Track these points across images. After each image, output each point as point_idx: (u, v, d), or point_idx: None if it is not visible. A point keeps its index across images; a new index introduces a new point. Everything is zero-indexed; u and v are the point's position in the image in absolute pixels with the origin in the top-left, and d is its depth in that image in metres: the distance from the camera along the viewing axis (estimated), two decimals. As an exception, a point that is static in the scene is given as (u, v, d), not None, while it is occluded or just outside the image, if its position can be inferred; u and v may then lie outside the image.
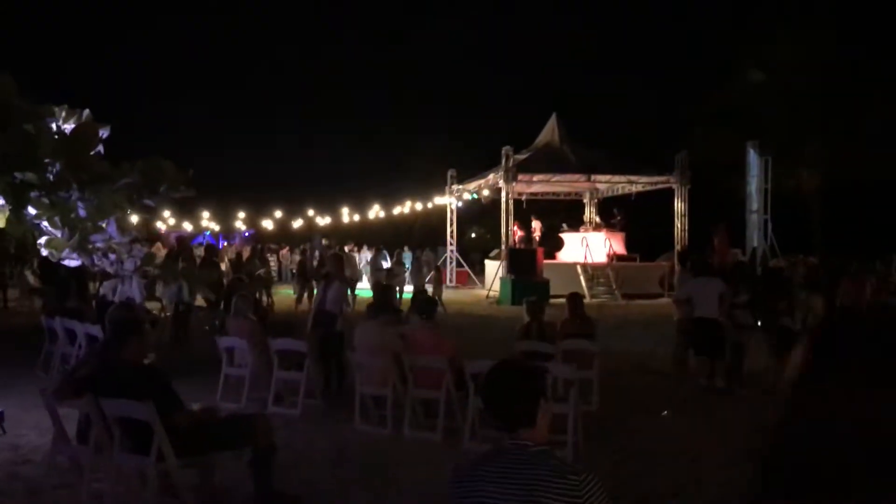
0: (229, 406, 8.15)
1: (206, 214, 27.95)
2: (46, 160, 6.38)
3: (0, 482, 5.79)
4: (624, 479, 6.16)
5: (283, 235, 32.22)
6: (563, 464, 2.54)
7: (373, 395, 7.44)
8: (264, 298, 17.51)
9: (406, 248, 26.21)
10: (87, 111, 7.02)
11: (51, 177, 6.44)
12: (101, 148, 7.13)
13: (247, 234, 41.33)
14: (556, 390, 7.30)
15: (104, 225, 6.89)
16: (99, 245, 6.96)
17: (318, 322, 8.88)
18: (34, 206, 6.40)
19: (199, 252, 17.89)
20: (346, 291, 9.61)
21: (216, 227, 30.61)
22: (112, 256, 7.14)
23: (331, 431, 7.34)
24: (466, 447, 6.64)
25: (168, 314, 12.48)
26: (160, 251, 18.52)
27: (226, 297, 11.29)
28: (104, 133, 7.15)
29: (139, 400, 4.47)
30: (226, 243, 39.10)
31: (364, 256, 28.34)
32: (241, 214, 29.29)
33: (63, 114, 6.90)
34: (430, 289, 18.84)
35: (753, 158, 21.19)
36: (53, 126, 6.75)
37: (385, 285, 11.49)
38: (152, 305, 13.96)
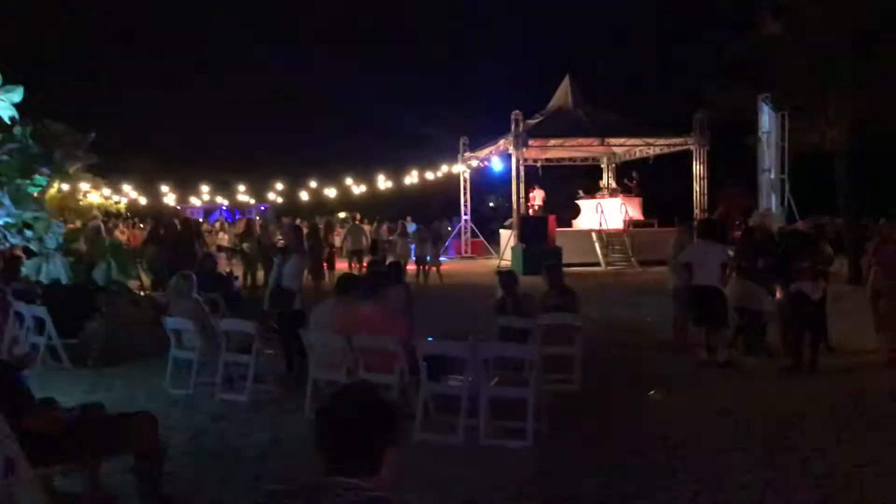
0: (177, 392, 7.57)
1: (205, 188, 27.41)
2: None
3: None
4: (591, 467, 5.43)
5: (292, 209, 31.69)
6: None
7: (326, 381, 6.75)
8: (244, 275, 16.55)
9: (409, 219, 25.35)
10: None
11: None
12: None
13: (262, 207, 40.97)
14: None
15: None
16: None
17: (276, 300, 8.20)
18: None
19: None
20: (304, 266, 8.88)
21: (225, 202, 30.10)
22: (28, 233, 6.53)
23: (274, 422, 6.67)
24: (419, 438, 5.94)
25: (147, 292, 11.90)
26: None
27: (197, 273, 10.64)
28: (14, 97, 6.47)
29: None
30: (240, 217, 38.79)
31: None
32: (242, 188, 28.72)
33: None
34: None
35: (767, 113, 19.95)
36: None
37: (373, 260, 10.75)
38: (132, 284, 13.46)
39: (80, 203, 27.67)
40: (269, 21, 58.21)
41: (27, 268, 6.98)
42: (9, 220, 6.41)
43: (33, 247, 6.74)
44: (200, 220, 30.32)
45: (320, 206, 30.29)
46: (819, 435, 6.18)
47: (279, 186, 29.38)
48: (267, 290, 8.83)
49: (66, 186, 26.34)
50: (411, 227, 22.52)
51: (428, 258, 19.59)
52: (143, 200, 28.00)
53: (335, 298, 7.07)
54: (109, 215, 25.66)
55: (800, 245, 9.08)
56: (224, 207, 41.11)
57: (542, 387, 6.28)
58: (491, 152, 27.17)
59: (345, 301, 6.87)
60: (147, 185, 27.69)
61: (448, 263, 24.11)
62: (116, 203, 29.82)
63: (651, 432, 6.35)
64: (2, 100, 6.45)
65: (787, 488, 5.06)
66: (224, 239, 23.77)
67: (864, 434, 6.25)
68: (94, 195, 28.31)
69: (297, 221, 22.86)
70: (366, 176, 29.43)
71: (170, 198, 28.24)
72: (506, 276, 8.20)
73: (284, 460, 5.69)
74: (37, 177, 6.52)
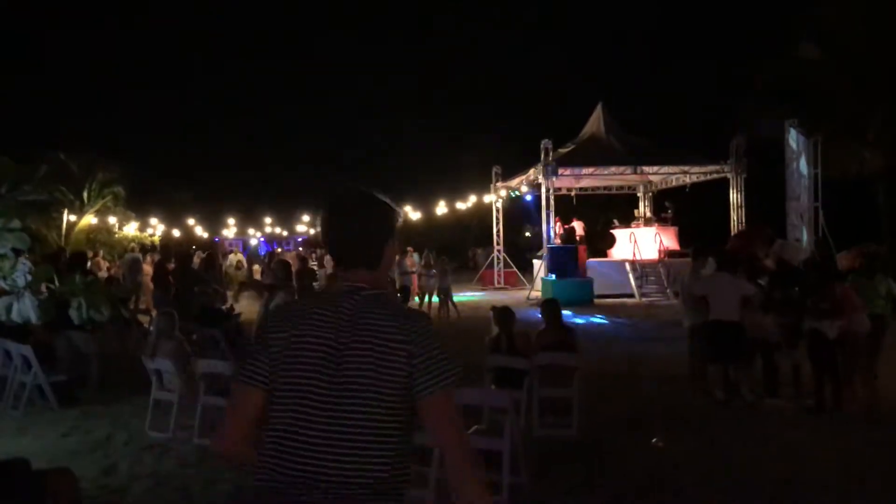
0: (156, 436, 7.27)
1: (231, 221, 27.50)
2: None
3: None
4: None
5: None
6: (397, 308, 2.23)
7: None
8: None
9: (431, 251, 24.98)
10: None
11: None
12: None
13: (299, 239, 41.09)
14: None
15: None
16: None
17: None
18: None
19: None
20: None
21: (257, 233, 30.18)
22: (-8, 272, 6.34)
23: (240, 470, 6.29)
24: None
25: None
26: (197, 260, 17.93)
27: (197, 309, 10.42)
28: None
29: None
30: (279, 248, 38.90)
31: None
32: (268, 220, 28.76)
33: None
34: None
35: (796, 139, 19.14)
36: None
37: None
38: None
39: (115, 236, 28.16)
40: (298, 51, 59.02)
41: (-5, 307, 6.88)
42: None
43: (1, 285, 6.57)
44: (233, 252, 30.39)
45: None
46: (823, 493, 5.60)
47: (305, 217, 29.36)
48: (253, 329, 8.51)
49: (94, 220, 26.80)
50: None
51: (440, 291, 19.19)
52: (175, 232, 28.23)
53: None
54: (145, 249, 25.95)
55: (817, 279, 8.45)
56: (262, 239, 41.39)
57: (532, 433, 5.84)
58: (522, 182, 26.76)
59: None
60: (178, 217, 27.93)
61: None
62: (151, 236, 30.18)
63: (650, 481, 5.85)
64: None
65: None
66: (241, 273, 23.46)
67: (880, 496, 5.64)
68: (128, 227, 28.74)
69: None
70: (398, 205, 29.20)
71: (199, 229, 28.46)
72: (500, 312, 7.75)
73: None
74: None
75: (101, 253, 23.69)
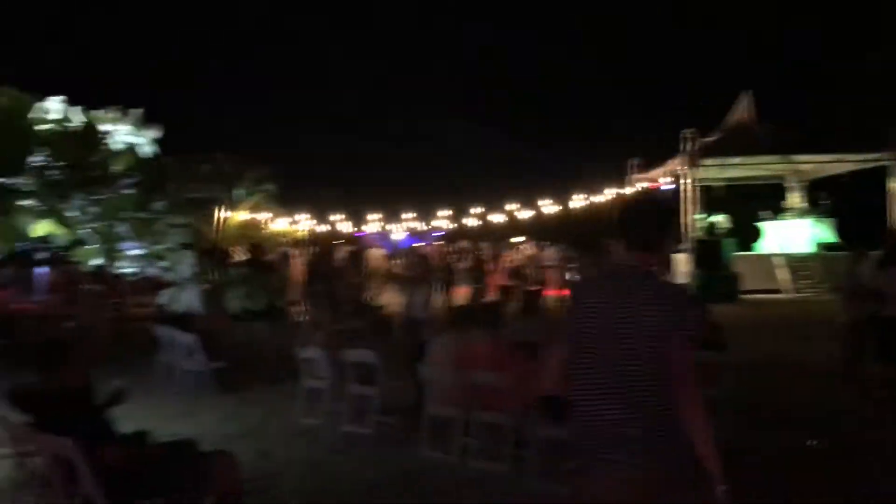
0: (306, 422, 7.60)
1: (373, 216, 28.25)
2: (40, 163, 6.11)
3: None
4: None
5: (459, 234, 31.90)
6: (669, 283, 2.97)
7: (441, 417, 6.51)
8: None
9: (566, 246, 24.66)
10: (139, 110, 6.80)
11: (43, 181, 6.15)
12: (147, 148, 6.80)
13: (437, 234, 41.63)
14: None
15: (119, 230, 6.58)
16: (131, 252, 6.67)
17: (408, 330, 8.08)
18: (21, 214, 6.15)
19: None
20: (430, 294, 8.70)
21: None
22: (163, 263, 6.83)
23: (389, 458, 6.48)
24: (533, 487, 5.55)
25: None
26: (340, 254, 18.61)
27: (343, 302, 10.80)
28: (156, 134, 6.84)
29: (61, 432, 3.87)
30: (422, 244, 39.56)
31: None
32: (409, 215, 29.32)
33: (115, 116, 6.71)
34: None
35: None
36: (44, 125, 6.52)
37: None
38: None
39: (263, 231, 29.58)
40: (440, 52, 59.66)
41: (163, 297, 7.40)
42: (143, 251, 6.76)
43: (170, 276, 7.07)
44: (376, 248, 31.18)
45: (488, 231, 30.36)
46: None
47: (445, 212, 29.78)
48: (398, 321, 8.75)
49: (245, 216, 28.25)
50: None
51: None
52: (321, 228, 29.38)
53: (451, 332, 6.83)
54: (297, 244, 27.12)
55: None
56: (404, 234, 42.23)
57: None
58: (662, 173, 26.02)
59: (461, 335, 6.61)
60: (324, 213, 29.03)
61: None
62: (299, 231, 31.49)
63: (799, 488, 5.57)
64: (142, 136, 6.82)
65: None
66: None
67: None
68: (277, 223, 30.12)
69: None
70: (529, 199, 29.21)
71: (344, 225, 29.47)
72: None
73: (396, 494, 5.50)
74: (156, 206, 6.82)
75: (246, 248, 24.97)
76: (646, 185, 27.37)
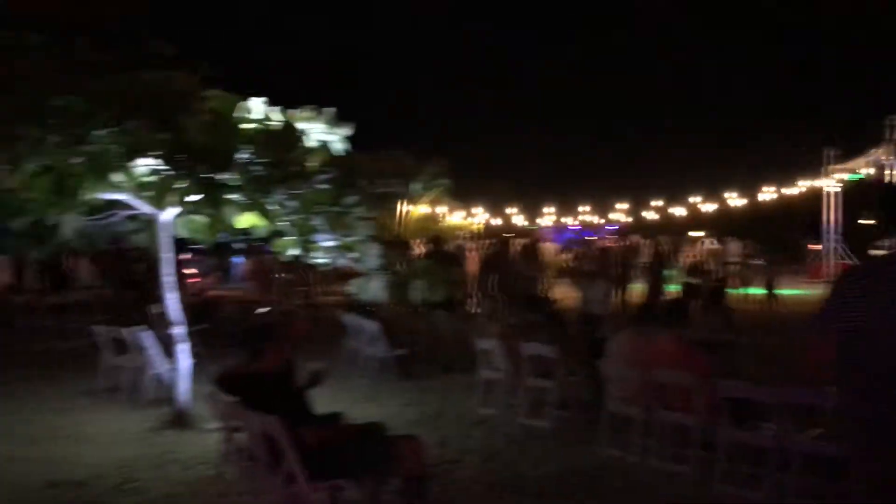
0: (484, 412, 7.68)
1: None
2: (246, 159, 6.50)
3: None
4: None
5: (637, 228, 31.10)
6: None
7: (621, 414, 6.38)
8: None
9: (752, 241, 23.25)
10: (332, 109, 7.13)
11: (248, 176, 6.54)
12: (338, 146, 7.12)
13: (611, 228, 40.84)
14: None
15: (315, 223, 6.89)
16: (325, 243, 7.00)
17: (585, 325, 7.97)
18: (229, 207, 6.55)
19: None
20: (609, 290, 8.50)
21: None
22: (352, 254, 7.14)
23: (567, 452, 6.42)
24: (717, 491, 5.32)
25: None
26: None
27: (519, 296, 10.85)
28: (348, 132, 7.17)
29: (267, 411, 4.13)
30: (595, 237, 39.03)
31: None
32: (584, 209, 28.91)
33: (305, 113, 7.07)
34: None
35: None
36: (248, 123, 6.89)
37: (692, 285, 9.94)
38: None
39: (440, 224, 30.22)
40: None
41: (352, 286, 7.78)
42: (335, 242, 7.11)
43: (359, 267, 7.40)
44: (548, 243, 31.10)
45: (668, 224, 29.41)
46: None
47: (622, 205, 29.13)
48: (576, 315, 8.64)
49: (426, 209, 29.01)
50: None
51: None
52: (495, 221, 29.65)
53: (633, 328, 6.66)
54: (473, 237, 27.53)
55: None
56: (577, 228, 41.81)
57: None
58: (867, 163, 24.05)
59: (642, 331, 6.43)
60: (499, 207, 29.24)
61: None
62: (476, 225, 31.96)
63: None
64: (334, 134, 7.18)
65: None
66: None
67: None
68: (454, 217, 30.71)
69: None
70: (714, 192, 27.89)
71: (518, 218, 29.56)
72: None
73: (562, 500, 5.44)
74: (348, 200, 7.12)
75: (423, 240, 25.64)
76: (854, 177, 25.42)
